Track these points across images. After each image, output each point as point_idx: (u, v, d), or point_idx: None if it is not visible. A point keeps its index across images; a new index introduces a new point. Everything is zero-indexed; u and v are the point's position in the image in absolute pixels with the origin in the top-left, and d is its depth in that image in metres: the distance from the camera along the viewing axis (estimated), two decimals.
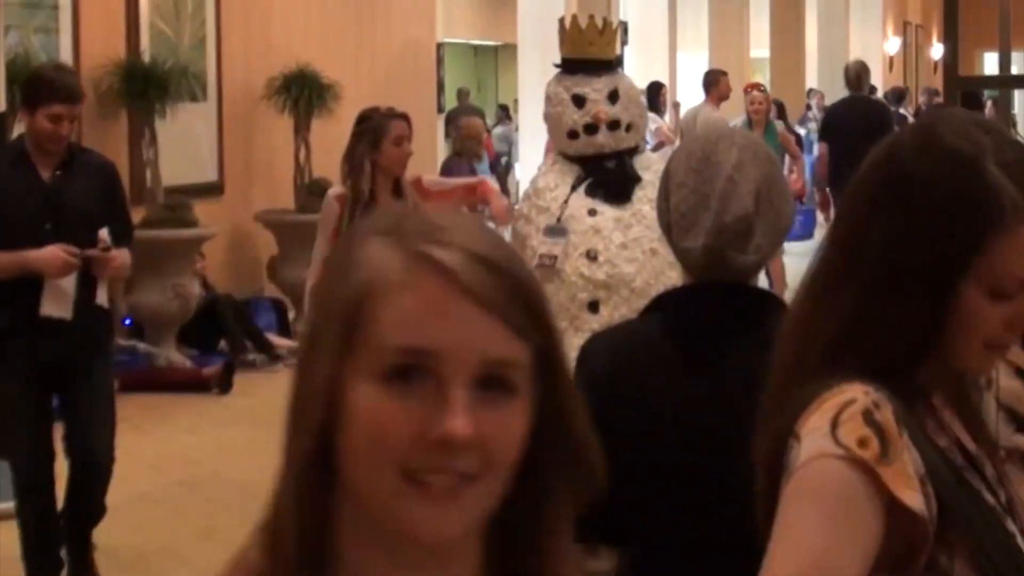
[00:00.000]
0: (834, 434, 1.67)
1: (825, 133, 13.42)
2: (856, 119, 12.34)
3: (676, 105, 18.94)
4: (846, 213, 1.84)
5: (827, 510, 1.64)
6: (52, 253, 5.54)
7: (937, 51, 35.77)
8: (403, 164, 6.11)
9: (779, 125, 13.74)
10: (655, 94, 16.27)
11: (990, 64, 35.03)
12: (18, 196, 5.61)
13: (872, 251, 1.76)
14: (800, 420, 1.72)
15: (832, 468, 1.66)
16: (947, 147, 1.75)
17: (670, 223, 2.41)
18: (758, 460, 1.79)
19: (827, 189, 13.18)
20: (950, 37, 7.96)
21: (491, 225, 6.12)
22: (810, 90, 24.77)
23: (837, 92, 29.10)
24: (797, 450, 1.70)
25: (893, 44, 35.04)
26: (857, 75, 13.76)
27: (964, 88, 10.54)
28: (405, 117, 6.26)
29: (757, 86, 13.78)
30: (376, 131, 6.11)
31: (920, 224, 1.74)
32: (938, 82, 24.35)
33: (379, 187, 6.10)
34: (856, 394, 1.70)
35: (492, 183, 6.36)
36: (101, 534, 7.11)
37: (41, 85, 5.63)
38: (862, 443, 1.66)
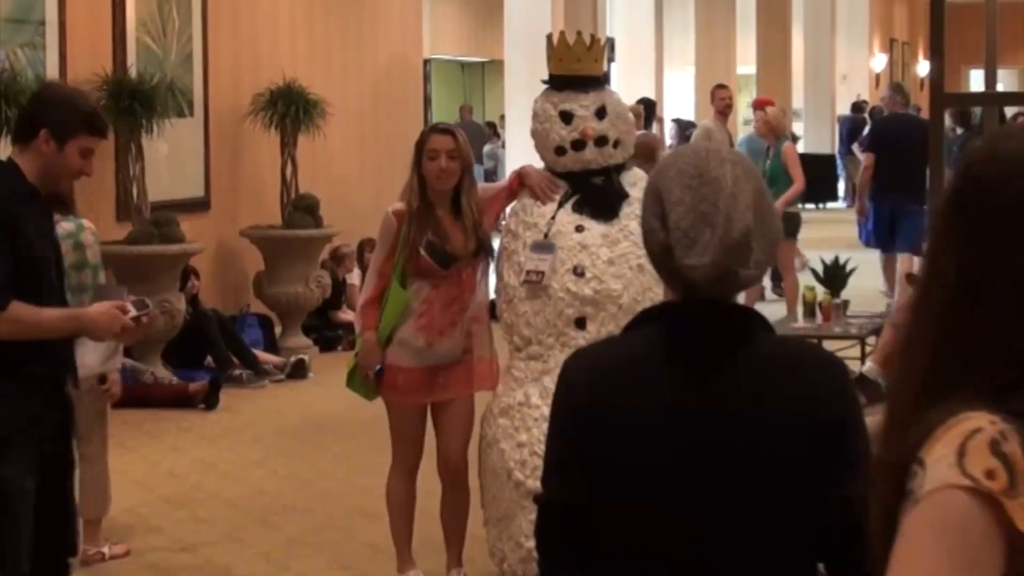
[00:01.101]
0: (960, 464, 1.66)
1: (872, 145, 14.17)
2: (902, 133, 13.47)
3: (660, 120, 19.03)
4: (929, 234, 1.85)
5: (948, 541, 1.64)
6: (110, 314, 4.62)
7: (923, 68, 35.86)
8: (438, 178, 5.97)
9: (787, 144, 13.70)
10: (649, 111, 16.30)
11: (976, 81, 35.15)
12: (41, 243, 4.60)
13: (950, 266, 1.78)
14: (925, 447, 1.70)
15: (957, 499, 1.65)
16: (1007, 152, 1.80)
17: (669, 242, 2.39)
18: (877, 483, 1.77)
19: (865, 198, 14.04)
20: (936, 54, 7.94)
21: (534, 199, 6.07)
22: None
23: (823, 109, 29.22)
24: (922, 477, 1.69)
25: (879, 61, 35.13)
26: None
27: (950, 105, 10.53)
28: (449, 131, 6.11)
29: (765, 102, 14.40)
30: (419, 145, 6.06)
31: (990, 230, 1.75)
32: (924, 99, 24.40)
33: (436, 201, 6.04)
34: (982, 423, 1.68)
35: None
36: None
37: (77, 113, 4.65)
38: (990, 474, 1.65)
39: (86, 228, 6.48)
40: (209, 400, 10.40)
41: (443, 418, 6.18)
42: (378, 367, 6.08)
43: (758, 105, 14.49)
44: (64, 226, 6.17)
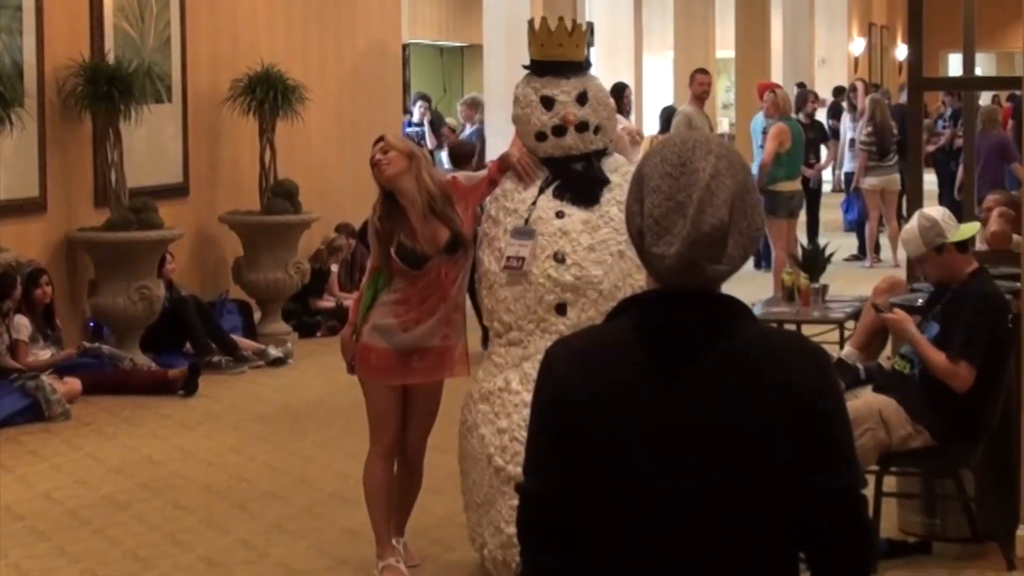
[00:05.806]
0: None
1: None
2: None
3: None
4: None
5: None
6: None
7: (902, 52, 35.89)
8: (375, 167, 6.12)
9: (776, 125, 14.27)
10: (619, 95, 16.31)
11: (954, 65, 35.19)
12: None
13: None
14: None
15: None
16: None
17: (642, 228, 2.39)
18: None
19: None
20: (914, 38, 7.98)
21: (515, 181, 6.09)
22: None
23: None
24: None
25: (858, 45, 35.15)
26: None
27: (928, 89, 10.60)
28: (381, 139, 6.28)
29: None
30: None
31: None
32: (902, 83, 24.40)
33: (405, 204, 6.08)
34: None
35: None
36: (66, 538, 7.07)
37: None
38: None
39: None
40: (188, 387, 10.38)
41: (409, 404, 6.22)
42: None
43: (763, 89, 15.26)
44: None
